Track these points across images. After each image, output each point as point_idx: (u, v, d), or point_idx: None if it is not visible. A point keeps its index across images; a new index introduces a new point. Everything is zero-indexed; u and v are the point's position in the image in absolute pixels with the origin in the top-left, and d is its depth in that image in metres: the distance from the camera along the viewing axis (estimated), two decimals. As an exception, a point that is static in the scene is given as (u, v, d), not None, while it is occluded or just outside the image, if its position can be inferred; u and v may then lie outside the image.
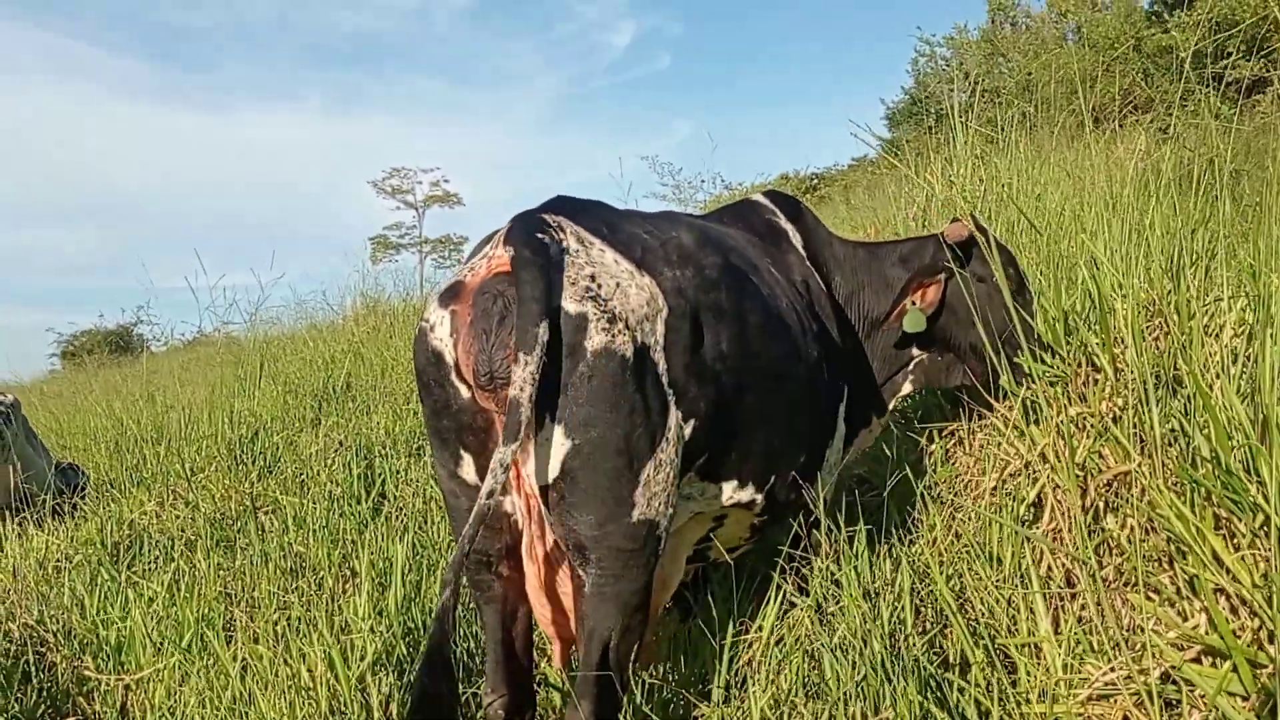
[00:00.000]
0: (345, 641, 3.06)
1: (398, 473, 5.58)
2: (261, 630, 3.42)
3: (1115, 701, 2.52)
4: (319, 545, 4.29)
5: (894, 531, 3.60)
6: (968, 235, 3.51)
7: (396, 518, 4.71)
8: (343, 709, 2.90)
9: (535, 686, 2.84)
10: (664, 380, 2.46)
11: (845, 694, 2.54)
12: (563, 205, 2.69)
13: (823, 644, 2.69)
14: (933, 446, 4.00)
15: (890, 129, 24.75)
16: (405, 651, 3.26)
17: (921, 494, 3.61)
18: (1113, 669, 2.52)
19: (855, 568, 3.00)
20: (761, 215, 3.52)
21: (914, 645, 2.69)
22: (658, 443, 2.43)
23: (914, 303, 3.51)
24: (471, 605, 3.45)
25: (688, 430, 2.53)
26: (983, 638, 2.76)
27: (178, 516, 5.49)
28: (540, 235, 2.43)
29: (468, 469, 2.55)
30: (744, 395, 2.72)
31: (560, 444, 2.36)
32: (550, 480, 2.40)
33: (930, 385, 3.82)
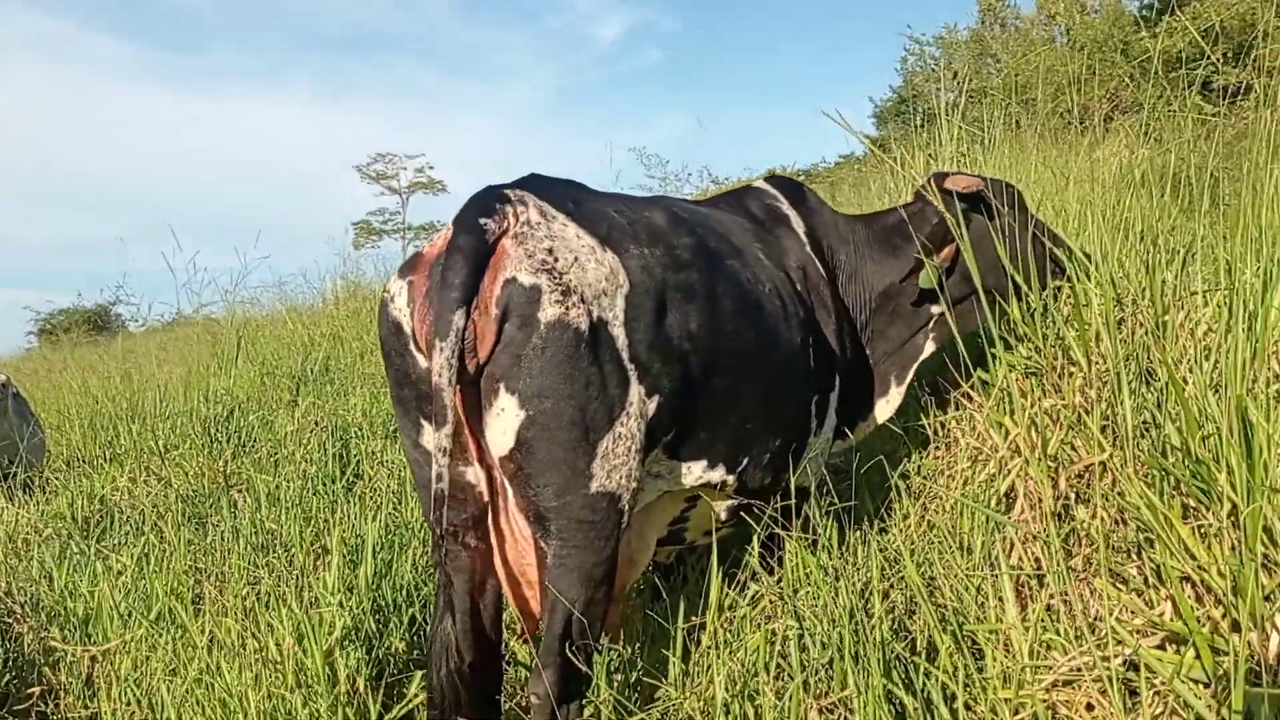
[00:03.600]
0: (314, 616, 3.04)
1: (373, 454, 5.57)
2: (230, 604, 3.40)
3: (1080, 687, 2.53)
4: (291, 522, 4.27)
5: (866, 518, 3.61)
6: (979, 188, 3.51)
7: (370, 497, 4.70)
8: (310, 682, 2.88)
9: (504, 662, 2.83)
10: (624, 355, 2.46)
11: (810, 674, 2.54)
12: (533, 181, 2.70)
13: (790, 625, 2.69)
14: (907, 436, 4.00)
15: (878, 127, 24.79)
16: (374, 627, 3.25)
17: (895, 483, 3.62)
18: (1078, 655, 2.53)
19: (827, 551, 3.01)
20: (761, 200, 3.51)
21: (881, 628, 2.69)
22: (616, 416, 2.43)
23: (932, 257, 3.50)
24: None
25: (651, 406, 2.53)
26: (950, 624, 2.77)
27: (150, 492, 5.46)
28: (485, 220, 2.42)
29: (428, 438, 2.55)
30: (714, 376, 2.71)
31: (515, 415, 2.37)
32: (507, 451, 2.41)
33: (951, 339, 3.67)
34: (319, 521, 4.27)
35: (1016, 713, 2.53)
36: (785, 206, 3.51)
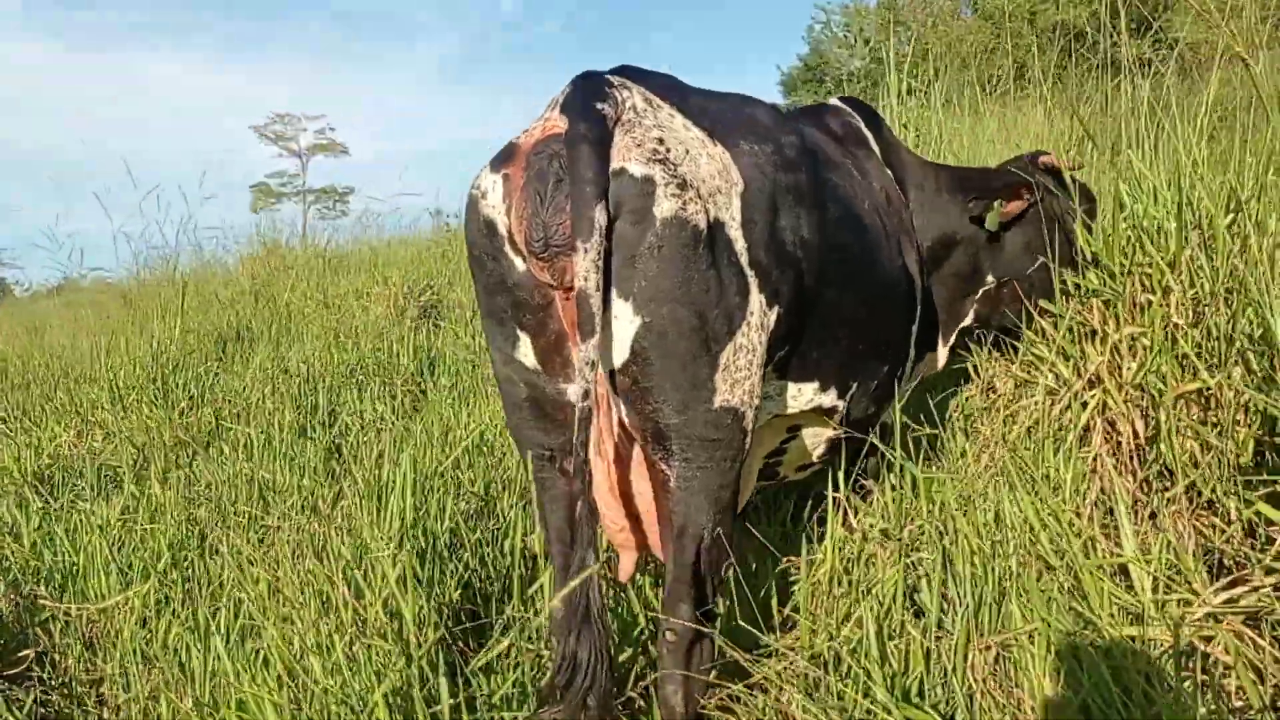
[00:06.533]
0: (367, 560, 2.72)
1: (344, 404, 5.21)
2: (255, 555, 3.04)
3: (1224, 620, 2.38)
4: (287, 470, 3.90)
5: (937, 457, 3.43)
6: (1056, 167, 3.42)
7: (357, 446, 4.34)
8: (370, 620, 2.57)
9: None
10: (743, 260, 2.19)
11: (960, 612, 2.33)
12: (629, 70, 2.40)
13: (925, 570, 2.48)
14: (977, 376, 3.81)
15: (785, 95, 24.91)
16: (426, 574, 2.95)
17: (956, 421, 3.45)
18: (1231, 585, 2.38)
19: (931, 494, 2.81)
20: (840, 118, 3.28)
21: (1011, 563, 2.51)
22: (738, 325, 2.17)
23: (1000, 203, 3.33)
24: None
25: (772, 318, 2.27)
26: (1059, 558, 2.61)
27: (96, 449, 5.00)
28: (601, 106, 2.13)
29: (525, 351, 2.26)
30: (826, 289, 2.48)
31: (629, 322, 2.09)
32: (620, 364, 2.13)
33: (989, 317, 3.58)
34: (324, 469, 3.91)
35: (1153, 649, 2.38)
36: (864, 127, 3.29)
